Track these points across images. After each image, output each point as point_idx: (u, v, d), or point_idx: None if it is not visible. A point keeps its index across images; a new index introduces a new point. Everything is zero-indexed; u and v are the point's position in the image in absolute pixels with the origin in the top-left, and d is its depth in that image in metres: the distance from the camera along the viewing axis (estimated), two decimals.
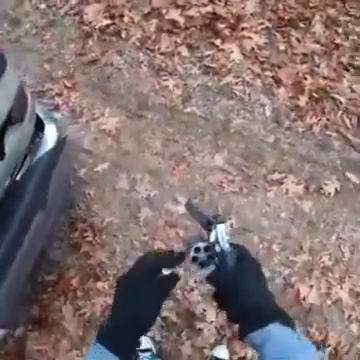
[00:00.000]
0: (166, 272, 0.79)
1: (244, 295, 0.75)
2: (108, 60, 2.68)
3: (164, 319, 2.06)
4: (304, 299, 2.07)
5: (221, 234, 0.81)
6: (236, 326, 0.77)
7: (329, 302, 2.09)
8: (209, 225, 0.83)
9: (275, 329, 0.71)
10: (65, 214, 2.26)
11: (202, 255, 0.85)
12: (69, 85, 2.68)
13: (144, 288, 0.75)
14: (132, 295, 0.74)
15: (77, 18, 2.84)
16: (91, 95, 2.67)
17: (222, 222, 0.83)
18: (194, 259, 0.85)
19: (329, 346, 2.03)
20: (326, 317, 2.08)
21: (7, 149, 1.43)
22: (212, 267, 0.83)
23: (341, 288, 2.09)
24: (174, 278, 0.79)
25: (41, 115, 1.71)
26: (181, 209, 2.29)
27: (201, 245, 0.84)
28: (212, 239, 0.81)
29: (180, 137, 2.50)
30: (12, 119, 1.44)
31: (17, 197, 1.49)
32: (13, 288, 1.58)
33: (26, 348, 2.02)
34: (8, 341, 2.03)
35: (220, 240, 0.81)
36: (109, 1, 2.78)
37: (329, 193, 2.31)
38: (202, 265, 0.85)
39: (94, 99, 2.65)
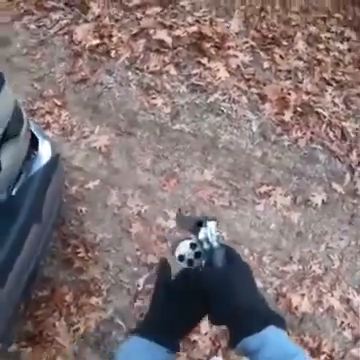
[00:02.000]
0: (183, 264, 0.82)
1: (237, 296, 0.71)
2: (98, 79, 2.83)
3: None
4: (296, 308, 2.19)
5: (211, 231, 0.81)
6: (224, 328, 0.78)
7: (321, 310, 2.21)
8: (198, 226, 0.83)
9: (271, 333, 0.69)
10: (57, 231, 2.36)
11: (189, 251, 0.84)
12: (59, 104, 2.82)
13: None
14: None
15: (67, 38, 3.00)
16: (81, 113, 2.80)
17: (213, 220, 0.83)
18: (181, 258, 0.84)
19: (323, 353, 2.13)
20: (319, 325, 2.20)
21: (3, 164, 1.53)
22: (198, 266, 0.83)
23: (332, 296, 2.22)
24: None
25: (35, 132, 1.83)
26: (172, 224, 2.41)
27: (188, 242, 0.84)
28: (201, 236, 0.81)
29: (170, 153, 2.64)
30: (8, 135, 1.54)
31: (13, 211, 1.59)
32: (9, 300, 1.67)
33: None
34: (1, 358, 2.10)
35: (209, 236, 0.80)
36: (98, 22, 2.95)
37: (316, 204, 2.46)
38: (190, 263, 0.84)
39: (84, 117, 2.79)
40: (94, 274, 2.26)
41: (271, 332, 0.69)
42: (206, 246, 0.80)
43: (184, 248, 0.85)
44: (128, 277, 2.24)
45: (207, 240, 0.81)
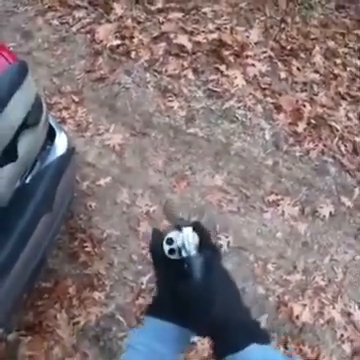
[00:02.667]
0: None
1: (218, 309, 0.69)
2: (116, 79, 2.89)
3: None
4: (297, 317, 2.21)
5: (187, 238, 0.76)
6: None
7: (322, 321, 2.23)
8: (178, 229, 0.79)
9: (256, 350, 0.68)
10: (66, 224, 2.41)
11: (166, 247, 0.80)
12: (77, 100, 2.88)
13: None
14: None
15: (88, 36, 3.08)
16: (97, 111, 2.86)
17: (189, 225, 0.78)
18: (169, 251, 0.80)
19: None
20: (318, 336, 2.21)
21: (20, 151, 1.58)
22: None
23: (333, 308, 2.24)
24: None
25: (53, 124, 1.89)
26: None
27: (166, 247, 0.79)
28: (178, 243, 0.77)
29: (182, 156, 2.68)
30: (28, 123, 1.60)
31: (26, 199, 1.64)
32: (14, 287, 1.71)
33: (18, 353, 2.11)
34: (0, 345, 2.13)
35: (186, 244, 0.76)
36: (120, 22, 3.03)
37: (324, 216, 2.49)
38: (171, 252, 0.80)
39: (100, 115, 2.85)
40: (99, 269, 2.30)
41: (257, 349, 0.68)
42: (184, 254, 0.76)
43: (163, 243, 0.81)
44: (132, 275, 2.28)
45: (184, 247, 0.76)
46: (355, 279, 2.39)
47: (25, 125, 1.60)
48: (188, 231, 0.77)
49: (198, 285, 0.70)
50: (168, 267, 0.77)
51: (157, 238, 0.79)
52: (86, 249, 2.35)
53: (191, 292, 0.71)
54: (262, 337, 0.70)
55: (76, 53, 3.03)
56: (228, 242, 2.43)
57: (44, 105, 1.79)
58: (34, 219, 1.66)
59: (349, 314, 2.25)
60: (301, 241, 2.43)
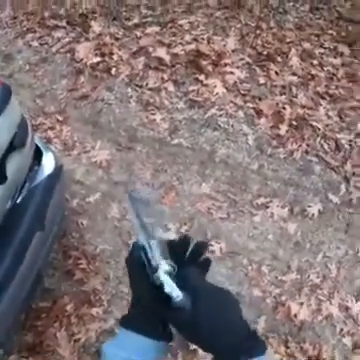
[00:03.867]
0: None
1: (212, 338, 0.68)
2: (99, 96, 2.99)
3: None
4: (295, 316, 2.27)
5: (165, 279, 0.67)
6: None
7: (320, 318, 2.30)
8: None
9: None
10: (58, 243, 2.48)
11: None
12: (61, 119, 2.97)
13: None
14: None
15: (69, 55, 3.18)
16: (82, 129, 2.95)
17: (155, 239, 0.69)
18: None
19: None
20: (318, 332, 2.28)
21: (9, 173, 1.64)
22: None
23: (331, 304, 2.31)
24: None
25: (39, 144, 1.97)
26: (172, 235, 2.52)
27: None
28: (157, 282, 0.68)
29: (169, 167, 2.77)
30: (15, 145, 1.66)
31: (18, 218, 1.71)
32: (12, 305, 1.77)
33: None
34: None
35: (166, 287, 0.66)
36: (99, 40, 3.14)
37: (313, 214, 2.58)
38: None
39: (85, 133, 2.94)
40: (95, 285, 2.37)
41: None
42: (167, 290, 0.67)
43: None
44: (128, 288, 2.34)
45: (163, 287, 0.67)
46: (349, 273, 2.47)
47: (12, 147, 1.67)
48: (154, 245, 0.69)
49: (187, 315, 0.67)
50: (150, 287, 0.71)
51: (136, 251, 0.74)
52: (81, 266, 2.42)
53: (177, 322, 0.70)
54: (254, 350, 0.69)
55: (57, 73, 3.13)
56: (220, 248, 2.51)
57: (30, 126, 1.87)
58: (27, 237, 1.73)
59: (347, 308, 2.32)
60: (293, 241, 2.52)
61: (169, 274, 0.67)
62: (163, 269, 0.67)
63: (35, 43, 3.30)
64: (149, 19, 3.17)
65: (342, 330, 2.29)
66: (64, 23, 3.24)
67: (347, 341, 2.27)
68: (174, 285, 0.66)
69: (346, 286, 2.42)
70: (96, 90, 3.02)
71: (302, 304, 2.32)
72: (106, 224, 2.60)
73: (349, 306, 2.35)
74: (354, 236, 2.57)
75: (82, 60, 3.07)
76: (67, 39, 3.18)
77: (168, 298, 0.67)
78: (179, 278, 0.68)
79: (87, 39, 3.14)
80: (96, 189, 2.72)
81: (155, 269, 0.68)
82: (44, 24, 3.34)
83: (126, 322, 0.75)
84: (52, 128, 2.95)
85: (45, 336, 2.25)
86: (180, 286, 0.67)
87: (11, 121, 1.67)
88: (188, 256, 0.74)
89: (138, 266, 0.72)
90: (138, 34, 3.10)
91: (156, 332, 0.73)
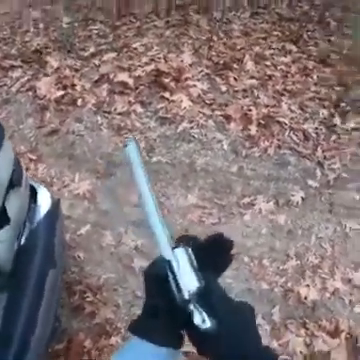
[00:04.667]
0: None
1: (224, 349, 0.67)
2: (69, 128, 3.02)
3: None
4: (306, 298, 2.40)
5: (195, 310, 0.64)
6: None
7: (328, 294, 2.43)
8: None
9: None
10: (61, 280, 2.46)
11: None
12: (34, 158, 2.97)
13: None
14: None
15: (30, 93, 3.19)
16: (58, 164, 2.96)
17: (185, 246, 0.67)
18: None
19: (343, 331, 2.31)
20: (330, 308, 2.41)
21: (10, 213, 1.62)
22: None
23: (334, 280, 2.46)
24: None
25: (31, 183, 1.97)
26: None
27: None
28: (182, 304, 0.65)
29: (152, 186, 2.83)
30: (13, 183, 1.66)
31: (28, 259, 1.67)
32: (37, 357, 1.74)
33: None
34: None
35: (196, 318, 0.64)
36: (58, 74, 3.18)
37: (297, 202, 2.76)
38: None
39: (62, 167, 2.95)
40: (107, 315, 2.37)
41: None
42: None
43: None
44: (141, 310, 2.36)
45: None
46: (343, 248, 2.64)
47: (11, 185, 1.65)
48: (181, 253, 0.66)
49: (206, 336, 0.66)
50: (172, 304, 0.69)
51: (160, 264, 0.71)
52: (88, 299, 2.41)
53: (197, 341, 0.69)
54: None
55: (22, 112, 3.13)
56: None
57: (22, 165, 1.88)
58: (41, 277, 1.69)
59: (349, 280, 2.48)
60: (285, 231, 2.67)
61: (197, 295, 0.64)
62: (191, 295, 0.64)
63: None
64: (104, 47, 3.26)
65: (351, 301, 2.43)
66: (19, 62, 3.26)
67: (358, 309, 2.41)
68: (203, 315, 0.64)
69: (343, 260, 2.58)
70: (65, 123, 3.05)
71: (308, 286, 2.46)
72: (103, 253, 2.62)
73: (351, 278, 2.51)
74: (338, 214, 2.77)
75: (45, 96, 3.10)
76: (26, 77, 3.20)
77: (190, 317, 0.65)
78: (204, 299, 0.66)
79: (46, 74, 3.17)
80: (85, 220, 2.73)
81: (181, 291, 0.64)
82: None
83: (140, 331, 0.73)
84: (27, 168, 2.93)
85: None
86: (205, 310, 0.65)
87: (9, 157, 1.67)
88: (213, 259, 0.73)
89: (159, 281, 0.70)
90: (96, 63, 3.18)
91: (173, 341, 0.73)
